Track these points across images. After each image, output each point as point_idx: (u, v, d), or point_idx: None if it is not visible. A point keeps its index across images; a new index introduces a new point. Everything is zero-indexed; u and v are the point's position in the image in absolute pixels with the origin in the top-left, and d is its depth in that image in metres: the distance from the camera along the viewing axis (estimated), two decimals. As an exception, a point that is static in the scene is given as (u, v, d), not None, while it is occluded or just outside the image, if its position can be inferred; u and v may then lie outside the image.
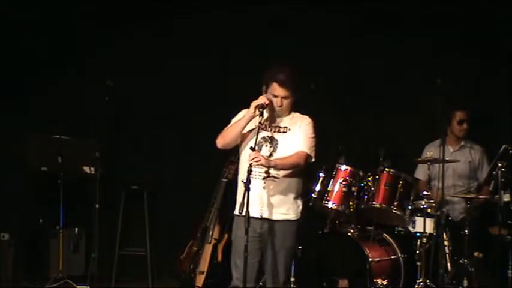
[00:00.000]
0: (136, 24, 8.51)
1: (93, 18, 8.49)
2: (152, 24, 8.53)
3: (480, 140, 7.64)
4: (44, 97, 8.41)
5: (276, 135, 5.75)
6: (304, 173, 5.83)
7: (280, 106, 5.72)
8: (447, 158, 7.20)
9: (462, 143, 7.62)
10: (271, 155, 5.70)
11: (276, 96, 5.73)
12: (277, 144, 5.74)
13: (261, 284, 6.08)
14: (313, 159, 5.78)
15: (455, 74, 7.73)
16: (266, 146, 5.72)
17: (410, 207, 7.16)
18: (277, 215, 5.71)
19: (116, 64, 8.42)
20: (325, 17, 8.25)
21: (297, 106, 5.90)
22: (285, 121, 5.79)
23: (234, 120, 5.82)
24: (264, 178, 5.66)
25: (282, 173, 5.69)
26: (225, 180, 7.66)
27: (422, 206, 7.06)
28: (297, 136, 5.74)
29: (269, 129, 5.76)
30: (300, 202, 5.82)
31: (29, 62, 8.36)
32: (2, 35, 8.26)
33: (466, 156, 7.53)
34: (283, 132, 5.76)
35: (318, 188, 7.21)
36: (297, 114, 5.83)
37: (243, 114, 5.76)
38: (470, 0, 7.90)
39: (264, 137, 5.69)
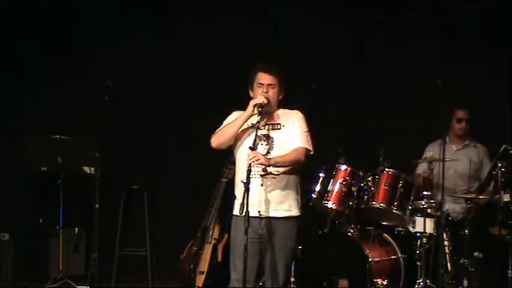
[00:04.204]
0: (137, 24, 8.52)
1: (93, 18, 8.49)
2: (152, 24, 8.53)
3: (480, 140, 7.63)
4: (43, 97, 8.41)
5: (271, 133, 5.74)
6: (302, 170, 5.83)
7: (266, 92, 5.71)
8: (450, 157, 7.21)
9: (466, 142, 7.59)
10: (268, 152, 5.69)
11: (261, 85, 5.73)
12: (273, 142, 5.73)
13: (260, 284, 6.08)
14: (312, 152, 5.78)
15: (455, 74, 7.72)
16: (262, 144, 5.71)
17: (410, 207, 7.16)
18: (279, 212, 5.70)
19: (116, 64, 8.42)
20: (325, 17, 8.25)
21: (298, 106, 5.91)
22: (278, 118, 5.79)
23: (226, 121, 5.81)
24: (262, 176, 5.65)
25: (281, 170, 5.68)
26: (225, 180, 7.66)
27: (422, 206, 7.06)
28: (292, 133, 5.73)
29: (263, 127, 5.75)
30: (299, 198, 5.82)
31: (29, 61, 8.36)
32: (1, 35, 8.25)
33: (469, 155, 7.52)
34: (278, 129, 5.76)
35: (318, 188, 7.21)
36: (287, 110, 5.84)
37: (236, 115, 5.76)
38: (471, 0, 7.90)
39: (259, 136, 5.66)
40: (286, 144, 5.73)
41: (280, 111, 5.83)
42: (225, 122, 5.82)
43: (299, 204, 5.81)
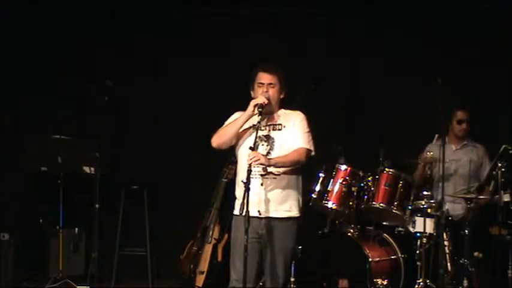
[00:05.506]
0: (136, 24, 8.52)
1: (93, 19, 8.49)
2: (152, 24, 8.53)
3: (480, 140, 7.64)
4: (44, 97, 8.41)
5: (272, 133, 5.74)
6: (303, 170, 5.83)
7: (267, 91, 5.70)
8: (449, 157, 7.21)
9: (464, 141, 7.61)
10: (268, 153, 5.69)
11: (262, 84, 5.73)
12: (273, 142, 5.73)
13: (260, 284, 6.08)
14: (313, 153, 5.78)
15: (455, 74, 7.72)
16: (263, 144, 5.71)
17: (410, 207, 7.16)
18: (279, 213, 5.70)
19: (116, 64, 8.42)
20: (324, 17, 8.25)
21: (298, 106, 5.91)
22: (279, 118, 5.78)
23: (227, 122, 5.82)
24: (263, 176, 5.65)
25: (281, 170, 5.68)
26: (225, 180, 7.66)
27: (422, 206, 7.06)
28: (292, 133, 5.74)
29: (264, 128, 5.75)
30: (300, 199, 5.82)
31: (29, 61, 8.36)
32: (1, 35, 8.25)
33: (468, 155, 7.53)
34: (279, 129, 5.76)
35: (318, 188, 7.20)
36: (289, 111, 5.84)
37: (238, 116, 5.76)
38: (471, 0, 7.91)
39: (259, 136, 5.66)
40: (287, 144, 5.73)
41: (282, 112, 5.83)
42: (227, 123, 5.82)
43: (300, 204, 5.81)
